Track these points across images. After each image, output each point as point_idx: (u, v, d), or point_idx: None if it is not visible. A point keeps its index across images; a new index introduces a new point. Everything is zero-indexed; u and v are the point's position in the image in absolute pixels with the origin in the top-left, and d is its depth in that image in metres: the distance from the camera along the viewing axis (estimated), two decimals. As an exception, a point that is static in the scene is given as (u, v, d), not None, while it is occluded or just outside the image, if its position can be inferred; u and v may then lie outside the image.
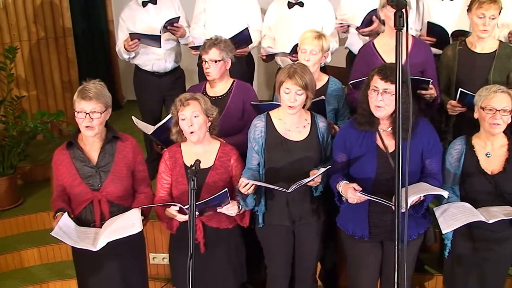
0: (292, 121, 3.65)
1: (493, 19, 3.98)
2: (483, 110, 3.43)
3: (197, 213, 3.47)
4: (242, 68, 5.10)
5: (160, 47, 4.93)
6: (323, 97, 3.88)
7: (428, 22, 4.67)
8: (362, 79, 3.56)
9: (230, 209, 3.54)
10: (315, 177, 3.41)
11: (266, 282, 4.00)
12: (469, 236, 3.55)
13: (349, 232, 3.62)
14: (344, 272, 4.19)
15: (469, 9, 4.07)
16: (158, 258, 4.85)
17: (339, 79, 4.26)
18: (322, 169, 3.42)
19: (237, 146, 3.83)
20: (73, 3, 6.56)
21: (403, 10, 2.13)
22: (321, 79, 4.14)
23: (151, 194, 3.75)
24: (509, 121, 3.44)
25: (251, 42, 4.95)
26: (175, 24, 4.95)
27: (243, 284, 3.98)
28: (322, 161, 3.68)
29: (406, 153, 3.37)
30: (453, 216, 3.34)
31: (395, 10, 3.78)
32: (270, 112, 3.73)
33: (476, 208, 3.39)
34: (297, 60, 4.08)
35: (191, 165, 3.03)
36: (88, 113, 3.45)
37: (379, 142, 3.43)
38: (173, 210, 3.49)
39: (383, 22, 4.26)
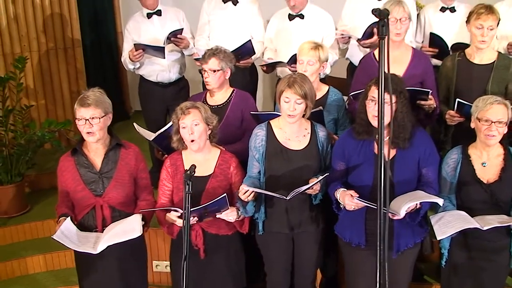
0: (292, 130, 3.72)
1: (491, 29, 4.04)
2: (479, 121, 3.48)
3: (196, 218, 3.56)
4: (246, 79, 5.20)
5: (164, 57, 5.02)
6: (320, 107, 3.94)
7: (431, 33, 4.75)
8: (362, 90, 3.62)
9: (229, 215, 3.60)
10: (313, 184, 3.47)
11: (266, 289, 4.04)
12: (465, 246, 3.58)
13: (346, 239, 3.67)
14: (345, 281, 4.23)
15: (467, 21, 4.13)
16: (161, 266, 4.90)
17: (340, 90, 4.32)
18: (320, 177, 3.47)
19: (236, 154, 3.89)
20: (82, 15, 6.67)
21: (386, 20, 2.17)
22: (321, 89, 4.20)
23: (152, 201, 3.82)
24: (505, 132, 3.48)
25: (254, 53, 5.03)
26: (178, 36, 5.05)
27: (242, 290, 4.03)
28: (321, 169, 3.73)
29: (403, 161, 3.47)
30: (448, 224, 3.38)
31: (395, 21, 3.91)
32: (271, 121, 3.80)
33: (472, 217, 3.42)
34: (296, 70, 4.15)
35: (186, 169, 3.10)
36: (88, 119, 3.55)
37: (376, 151, 3.48)
38: (173, 215, 3.56)
39: None
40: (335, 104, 4.18)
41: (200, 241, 3.74)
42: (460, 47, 4.48)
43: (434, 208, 3.57)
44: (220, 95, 4.30)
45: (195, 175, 3.56)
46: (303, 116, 3.68)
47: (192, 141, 3.65)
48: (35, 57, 6.43)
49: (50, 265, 5.18)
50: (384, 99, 2.27)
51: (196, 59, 5.03)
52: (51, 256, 5.17)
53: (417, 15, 5.09)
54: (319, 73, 4.18)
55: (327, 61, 4.17)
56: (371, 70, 4.05)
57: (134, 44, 5.04)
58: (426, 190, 3.42)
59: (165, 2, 6.20)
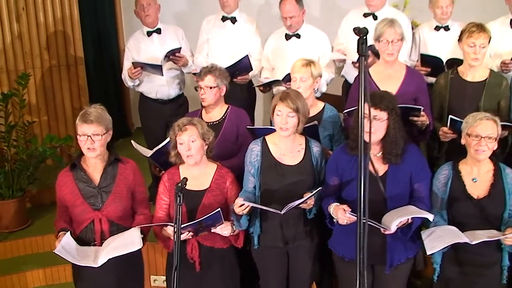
0: (286, 146, 3.79)
1: (483, 47, 4.12)
2: (469, 136, 3.55)
3: (191, 233, 3.62)
4: (243, 95, 5.31)
5: (162, 75, 5.13)
6: (315, 122, 4.01)
7: (421, 54, 4.84)
8: (356, 107, 3.69)
9: (224, 229, 3.66)
10: (307, 198, 3.53)
11: (261, 303, 4.08)
12: (457, 261, 3.62)
13: (340, 254, 3.72)
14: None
15: (459, 39, 4.21)
16: (159, 281, 4.95)
17: (335, 107, 4.40)
18: (314, 191, 3.53)
19: (232, 169, 3.96)
20: (85, 33, 6.77)
21: (365, 37, 2.25)
22: (317, 106, 4.28)
23: (150, 215, 3.88)
24: (494, 148, 3.55)
25: (252, 70, 5.13)
26: (177, 54, 5.15)
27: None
28: (316, 184, 3.78)
29: (395, 176, 3.53)
30: (438, 238, 3.43)
31: (387, 43, 4.01)
32: (266, 137, 3.87)
33: (462, 232, 3.47)
34: (290, 87, 4.23)
35: (177, 182, 3.17)
36: (90, 136, 3.63)
37: (369, 166, 3.52)
38: (169, 229, 3.62)
39: (377, 56, 4.41)
40: (330, 121, 4.25)
41: (195, 254, 3.80)
42: (455, 62, 4.56)
43: (426, 223, 3.62)
44: (215, 112, 4.39)
45: (191, 189, 3.71)
46: (296, 131, 3.74)
47: (189, 156, 3.73)
48: (38, 74, 6.52)
49: (49, 279, 5.23)
50: (364, 114, 2.33)
51: (195, 74, 5.12)
52: (50, 271, 5.22)
53: (413, 33, 5.17)
54: (314, 90, 4.26)
55: (320, 76, 4.25)
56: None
57: (132, 62, 5.16)
58: (418, 206, 3.48)
59: (168, 21, 6.37)
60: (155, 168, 4.33)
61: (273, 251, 3.85)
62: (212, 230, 3.67)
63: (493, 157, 3.62)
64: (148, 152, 4.24)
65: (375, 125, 3.44)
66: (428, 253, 3.45)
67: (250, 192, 3.82)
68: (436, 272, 3.68)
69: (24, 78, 5.73)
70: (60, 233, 3.63)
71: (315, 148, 3.82)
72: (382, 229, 3.37)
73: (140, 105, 5.61)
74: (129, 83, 5.36)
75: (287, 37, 5.19)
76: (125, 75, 5.34)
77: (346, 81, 5.29)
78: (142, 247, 3.62)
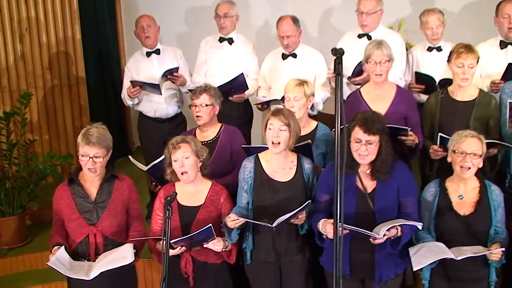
0: (278, 163, 3.88)
1: (471, 68, 4.21)
2: (455, 153, 3.64)
3: (184, 248, 3.71)
4: (240, 114, 5.42)
5: (161, 94, 5.25)
6: (309, 141, 4.09)
7: (416, 72, 4.94)
8: (346, 126, 3.78)
9: (216, 244, 3.74)
10: (296, 212, 3.61)
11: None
12: (445, 276, 3.69)
13: (331, 270, 3.76)
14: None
15: (448, 60, 4.30)
16: (155, 297, 5.01)
17: (331, 125, 4.47)
18: (303, 205, 3.62)
19: (227, 187, 4.05)
20: (87, 53, 6.90)
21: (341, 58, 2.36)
22: (310, 125, 4.38)
23: (144, 231, 3.97)
24: (480, 165, 3.63)
25: (247, 88, 5.24)
26: (174, 74, 5.27)
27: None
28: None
29: (383, 192, 3.62)
30: (425, 254, 3.51)
31: (375, 64, 4.12)
32: (259, 154, 3.97)
33: (449, 248, 3.54)
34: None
35: (167, 195, 3.27)
36: (91, 157, 3.73)
37: (358, 183, 3.64)
38: (162, 244, 3.68)
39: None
40: (323, 139, 4.34)
41: (189, 269, 3.88)
42: (448, 82, 4.63)
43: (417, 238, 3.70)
44: (209, 131, 4.49)
45: (186, 205, 3.82)
46: (288, 148, 3.83)
47: (183, 173, 3.81)
48: (40, 93, 6.64)
49: (48, 295, 5.31)
50: (339, 127, 2.58)
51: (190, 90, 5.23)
52: (49, 287, 5.28)
53: (406, 54, 5.27)
54: (307, 108, 4.36)
55: (313, 96, 4.36)
56: (357, 106, 4.25)
57: (131, 81, 5.28)
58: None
59: (169, 41, 6.51)
60: (151, 183, 4.41)
61: (265, 266, 3.92)
62: (205, 245, 3.74)
63: (480, 174, 3.71)
64: (145, 167, 4.33)
65: (369, 149, 3.56)
66: (415, 269, 3.52)
67: (243, 207, 3.91)
68: (425, 288, 3.76)
69: (26, 97, 5.85)
70: (54, 247, 3.72)
71: (307, 165, 3.91)
72: (371, 239, 3.45)
73: (139, 124, 5.73)
74: (128, 102, 5.47)
75: (284, 56, 5.31)
76: (124, 94, 5.46)
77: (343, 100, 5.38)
78: (134, 261, 3.70)
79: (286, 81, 4.94)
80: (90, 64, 7.03)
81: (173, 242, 3.62)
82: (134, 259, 3.68)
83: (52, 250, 3.72)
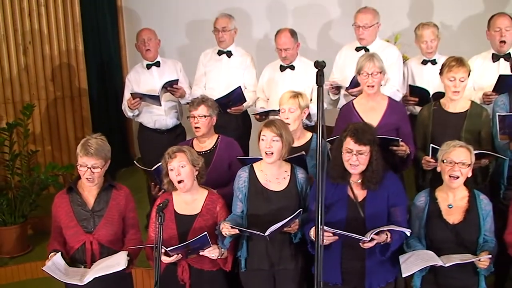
0: (272, 172, 3.96)
1: (462, 81, 4.29)
2: (444, 163, 3.72)
3: (180, 255, 3.79)
4: (238, 125, 5.51)
5: (160, 105, 5.36)
6: (303, 152, 4.17)
7: (410, 85, 5.03)
8: (337, 136, 3.89)
9: (212, 252, 3.81)
10: (289, 220, 3.68)
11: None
12: (436, 284, 3.75)
13: (324, 279, 3.82)
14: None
15: (440, 73, 4.39)
16: (153, 306, 5.05)
17: (328, 136, 4.56)
18: (295, 213, 3.69)
19: (225, 198, 4.13)
20: (89, 65, 7.04)
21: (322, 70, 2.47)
22: (305, 136, 4.46)
23: (140, 240, 4.04)
24: (468, 175, 3.71)
25: (245, 101, 5.34)
26: (174, 86, 5.37)
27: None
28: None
29: (374, 201, 3.70)
30: (414, 261, 3.57)
31: (367, 76, 4.21)
32: (254, 164, 4.05)
33: (439, 256, 3.61)
34: None
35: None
36: (90, 168, 3.82)
37: (350, 193, 3.72)
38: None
39: None
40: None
41: (186, 276, 3.95)
42: (441, 96, 4.71)
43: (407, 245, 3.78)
44: (207, 142, 4.58)
45: (183, 213, 3.90)
46: (281, 157, 3.92)
47: (179, 182, 3.90)
48: (43, 104, 6.77)
49: (48, 302, 5.38)
50: (321, 134, 2.67)
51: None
52: (49, 294, 5.37)
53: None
54: (302, 120, 4.44)
55: (307, 107, 4.45)
56: (349, 118, 4.34)
57: (131, 93, 5.39)
58: (395, 231, 3.62)
59: (170, 54, 6.64)
60: (155, 187, 4.48)
61: (259, 274, 3.98)
62: (201, 253, 3.81)
63: (472, 184, 3.79)
64: (150, 169, 4.44)
65: (360, 159, 3.65)
66: (404, 275, 3.58)
67: (238, 216, 3.99)
68: (416, 296, 3.81)
69: (29, 108, 5.97)
70: (51, 253, 3.82)
71: (300, 175, 3.99)
72: (361, 243, 3.53)
73: (139, 135, 5.84)
74: (128, 113, 5.58)
75: (282, 68, 5.41)
76: (124, 106, 5.57)
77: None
78: (128, 269, 3.79)
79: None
80: (92, 76, 7.16)
81: (169, 250, 3.71)
82: (127, 266, 3.76)
83: (49, 256, 3.81)
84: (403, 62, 5.47)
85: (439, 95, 4.78)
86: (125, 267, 3.72)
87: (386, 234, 3.56)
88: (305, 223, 3.82)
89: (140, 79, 5.63)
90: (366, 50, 5.27)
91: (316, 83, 2.55)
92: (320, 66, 2.54)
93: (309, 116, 5.00)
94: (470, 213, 3.70)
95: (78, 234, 3.88)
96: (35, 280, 5.60)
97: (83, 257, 3.88)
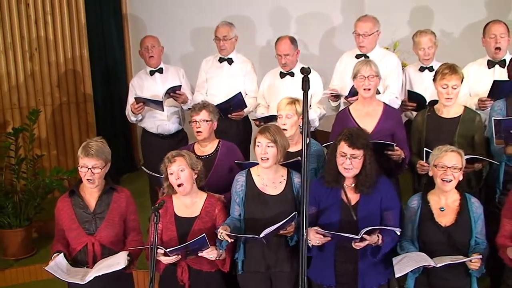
0: (268, 177, 4.06)
1: (455, 88, 4.39)
2: (436, 167, 3.80)
3: (179, 256, 3.90)
4: (239, 130, 5.62)
5: (163, 110, 5.48)
6: (298, 158, 4.25)
7: (408, 91, 5.12)
8: (333, 142, 3.98)
9: (210, 253, 3.91)
10: (283, 222, 3.76)
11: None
12: (429, 286, 3.83)
13: (318, 281, 3.95)
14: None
15: (434, 80, 4.49)
16: (155, 307, 5.14)
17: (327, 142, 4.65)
18: (289, 216, 3.78)
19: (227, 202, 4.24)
20: (94, 71, 7.17)
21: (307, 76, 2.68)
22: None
23: (141, 241, 4.14)
24: (460, 178, 3.80)
25: (246, 106, 5.44)
26: (177, 92, 5.48)
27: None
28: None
29: (366, 204, 3.79)
30: (407, 263, 3.67)
31: (363, 79, 4.30)
32: (251, 169, 4.15)
33: (431, 258, 3.68)
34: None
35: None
36: (90, 168, 3.93)
37: (343, 196, 3.82)
38: (159, 253, 3.86)
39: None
40: (315, 155, 4.49)
41: (185, 277, 4.05)
42: (436, 103, 4.81)
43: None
44: (208, 146, 4.68)
45: (183, 216, 4.02)
46: (277, 162, 4.01)
47: (179, 185, 4.00)
48: (49, 110, 6.89)
49: (52, 304, 5.48)
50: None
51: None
52: (53, 295, 5.47)
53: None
54: (299, 125, 4.52)
55: None
56: (345, 123, 4.43)
57: (135, 98, 5.52)
58: (386, 231, 3.72)
59: (174, 61, 6.74)
60: (159, 189, 4.57)
61: (256, 276, 4.07)
62: (199, 254, 3.92)
63: (466, 188, 3.88)
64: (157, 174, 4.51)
65: (353, 162, 3.74)
66: (397, 275, 3.67)
67: (236, 219, 4.08)
68: (409, 298, 3.89)
69: (34, 114, 6.10)
70: (54, 254, 3.93)
71: (296, 179, 4.07)
72: (353, 243, 3.62)
73: (142, 140, 5.97)
74: (132, 118, 5.70)
75: (282, 75, 5.51)
76: (128, 111, 5.70)
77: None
78: (128, 268, 3.89)
79: (284, 99, 5.18)
80: (97, 82, 7.29)
81: (169, 251, 3.82)
82: (127, 265, 3.86)
83: (52, 257, 3.92)
84: (402, 69, 5.57)
85: (435, 103, 4.86)
86: (125, 266, 3.82)
87: (378, 236, 3.64)
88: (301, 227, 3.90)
89: (143, 85, 5.75)
90: (366, 57, 5.35)
91: (302, 88, 2.66)
92: (305, 72, 2.64)
93: (308, 122, 5.09)
94: (462, 216, 3.79)
95: (80, 236, 3.98)
96: (39, 282, 5.71)
97: (85, 258, 3.98)
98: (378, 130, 4.39)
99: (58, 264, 3.82)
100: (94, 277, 3.75)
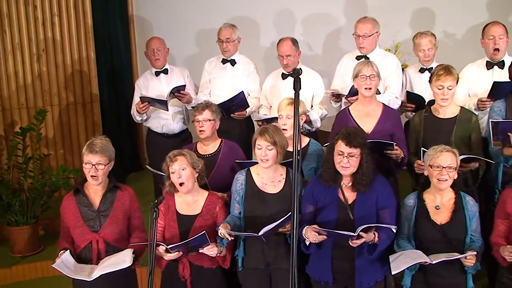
0: (268, 176, 4.15)
1: (450, 89, 4.46)
2: (431, 167, 3.88)
3: (181, 253, 4.00)
4: (242, 130, 5.70)
5: (168, 110, 5.58)
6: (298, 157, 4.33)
7: (407, 91, 5.19)
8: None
9: (211, 250, 4.00)
10: (282, 220, 3.84)
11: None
12: (425, 283, 3.90)
13: (316, 278, 4.03)
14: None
15: (430, 81, 4.57)
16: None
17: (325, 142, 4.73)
18: (287, 215, 3.85)
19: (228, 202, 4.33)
20: (101, 72, 7.27)
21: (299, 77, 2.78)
22: (303, 141, 4.62)
23: (144, 239, 4.22)
24: (455, 177, 3.88)
25: (248, 106, 5.53)
26: (181, 92, 5.58)
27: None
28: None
29: (363, 203, 3.86)
30: (403, 260, 3.74)
31: (364, 78, 4.38)
32: (251, 168, 4.24)
33: (427, 256, 3.75)
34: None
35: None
36: (94, 165, 4.02)
37: (340, 195, 3.90)
38: (161, 249, 3.98)
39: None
40: (315, 154, 4.59)
41: (187, 273, 4.16)
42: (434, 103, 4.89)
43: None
44: (210, 145, 4.77)
45: (185, 214, 4.12)
46: (277, 161, 4.09)
47: (181, 184, 4.10)
48: (56, 110, 7.00)
49: (58, 300, 5.58)
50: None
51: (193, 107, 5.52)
52: (59, 292, 5.58)
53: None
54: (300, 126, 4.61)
55: (305, 114, 4.64)
56: (345, 123, 4.51)
57: (140, 97, 5.63)
58: (382, 229, 3.79)
59: (179, 62, 6.85)
60: (163, 187, 4.66)
61: (255, 273, 4.16)
62: (200, 251, 4.01)
63: (461, 186, 3.95)
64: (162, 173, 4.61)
65: (351, 161, 3.82)
66: (393, 272, 3.74)
67: (236, 217, 4.17)
68: (406, 295, 3.97)
69: (41, 114, 6.22)
70: (61, 252, 4.03)
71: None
72: (350, 241, 3.70)
73: (147, 139, 6.09)
74: (137, 117, 5.81)
75: (283, 76, 5.58)
76: (133, 110, 5.81)
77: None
78: (132, 265, 3.97)
79: (285, 100, 5.26)
80: (103, 82, 7.39)
81: (170, 247, 3.93)
82: (132, 263, 3.95)
83: (59, 254, 4.02)
84: (402, 70, 5.63)
85: (433, 103, 4.93)
86: (131, 264, 3.92)
87: (374, 234, 3.71)
88: (300, 225, 3.98)
89: (148, 85, 5.87)
90: (367, 58, 5.42)
91: (294, 88, 2.74)
92: (296, 73, 2.73)
93: (310, 122, 5.20)
94: (457, 214, 3.86)
95: (85, 234, 4.08)
96: (45, 279, 5.82)
97: (90, 255, 4.08)
98: (378, 130, 4.47)
99: (64, 262, 3.92)
100: (100, 274, 3.84)
